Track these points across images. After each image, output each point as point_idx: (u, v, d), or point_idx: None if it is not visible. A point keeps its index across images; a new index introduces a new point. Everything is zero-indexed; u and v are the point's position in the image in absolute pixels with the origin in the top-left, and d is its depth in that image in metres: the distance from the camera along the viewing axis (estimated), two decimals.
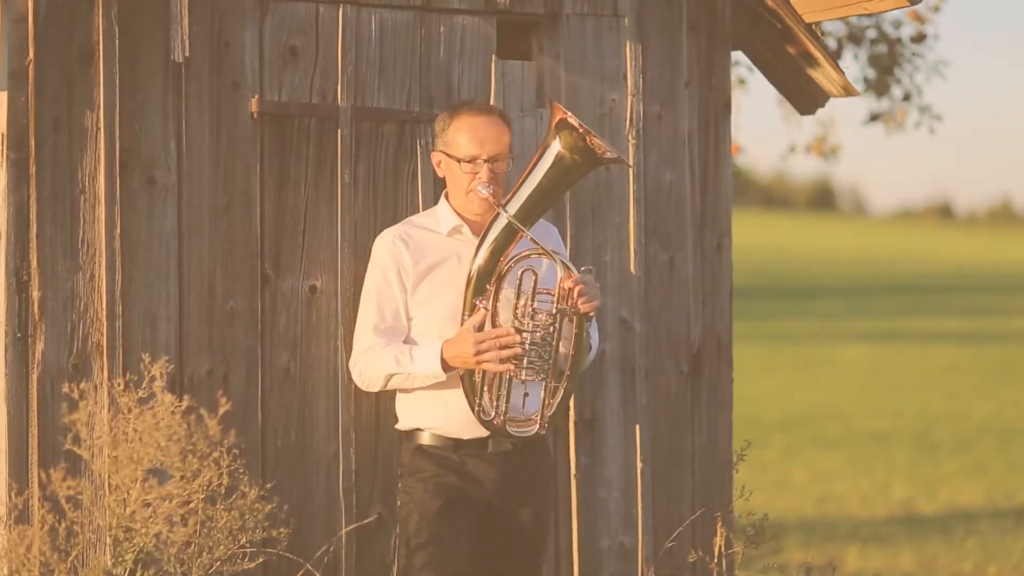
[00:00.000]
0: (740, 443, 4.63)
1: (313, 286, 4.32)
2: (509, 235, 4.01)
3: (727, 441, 4.91)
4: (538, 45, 4.64)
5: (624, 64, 4.72)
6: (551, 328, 3.99)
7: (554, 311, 3.99)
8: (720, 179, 4.91)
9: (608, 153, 4.02)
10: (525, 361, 3.97)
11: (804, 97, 5.09)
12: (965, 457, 11.26)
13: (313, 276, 4.32)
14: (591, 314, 4.03)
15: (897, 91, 7.98)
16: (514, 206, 4.00)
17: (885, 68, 7.88)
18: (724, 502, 4.85)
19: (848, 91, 4.93)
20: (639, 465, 4.71)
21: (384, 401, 4.35)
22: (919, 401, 14.78)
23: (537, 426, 4.05)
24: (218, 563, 3.81)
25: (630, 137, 4.72)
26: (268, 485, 4.03)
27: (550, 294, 4.01)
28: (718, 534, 4.54)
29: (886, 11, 5.15)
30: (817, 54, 4.86)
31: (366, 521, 4.35)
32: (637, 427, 4.71)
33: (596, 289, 4.03)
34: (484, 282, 4.01)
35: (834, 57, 5.03)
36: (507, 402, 4.02)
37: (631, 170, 4.72)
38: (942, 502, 9.45)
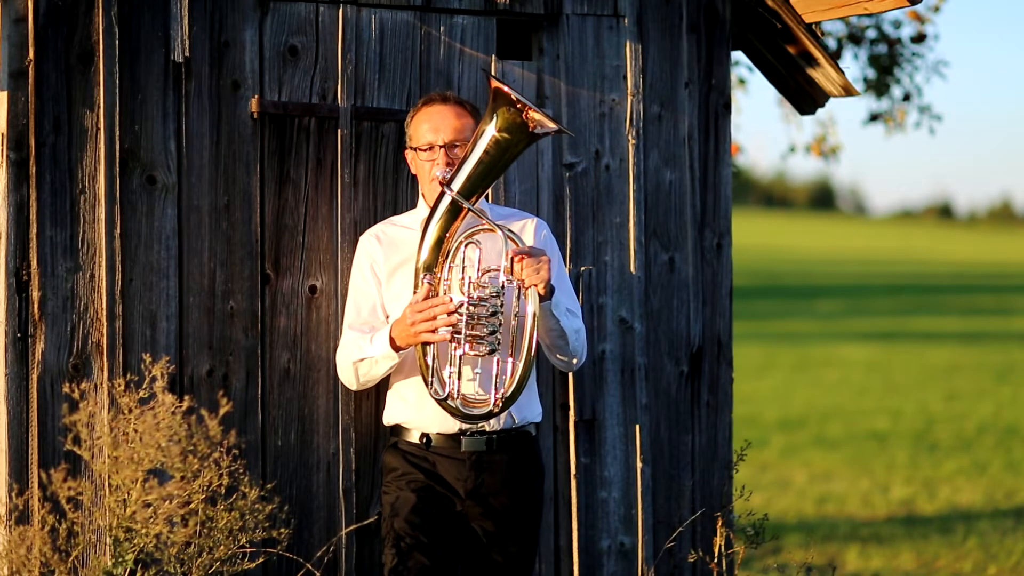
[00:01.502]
0: (740, 443, 4.64)
1: (313, 286, 4.32)
2: (454, 212, 4.01)
3: (727, 441, 4.90)
4: (538, 45, 4.64)
5: (624, 64, 4.72)
6: (497, 302, 3.97)
7: (500, 284, 3.98)
8: (720, 179, 4.90)
9: (541, 128, 3.98)
10: (467, 334, 3.96)
11: (804, 97, 5.09)
12: (965, 457, 11.25)
13: (313, 276, 4.33)
14: (540, 288, 3.97)
15: (897, 91, 7.98)
16: (458, 183, 4.00)
17: (885, 68, 7.87)
18: (724, 502, 4.85)
19: (848, 91, 4.93)
20: (639, 465, 4.71)
21: (384, 401, 4.35)
22: (919, 401, 14.77)
23: (491, 405, 4.00)
24: (218, 563, 3.81)
25: (630, 137, 4.72)
26: (268, 485, 4.03)
27: (499, 271, 4.00)
28: (718, 534, 4.54)
29: (886, 11, 5.15)
30: (817, 54, 4.86)
31: (366, 521, 4.35)
32: (637, 427, 4.71)
33: (543, 261, 3.96)
34: (433, 260, 4.02)
35: (834, 57, 5.04)
36: (459, 379, 4.00)
37: (631, 170, 4.72)
38: (942, 502, 9.44)
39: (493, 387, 4.00)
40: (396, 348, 4.02)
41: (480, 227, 4.02)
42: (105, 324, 4.07)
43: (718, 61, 4.88)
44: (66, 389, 3.94)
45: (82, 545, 3.84)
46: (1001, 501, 9.45)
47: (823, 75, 4.92)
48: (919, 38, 7.82)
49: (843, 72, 4.87)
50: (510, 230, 4.01)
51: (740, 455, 4.53)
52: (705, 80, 4.86)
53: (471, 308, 3.96)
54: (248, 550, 3.92)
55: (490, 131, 3.98)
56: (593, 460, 4.67)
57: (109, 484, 3.84)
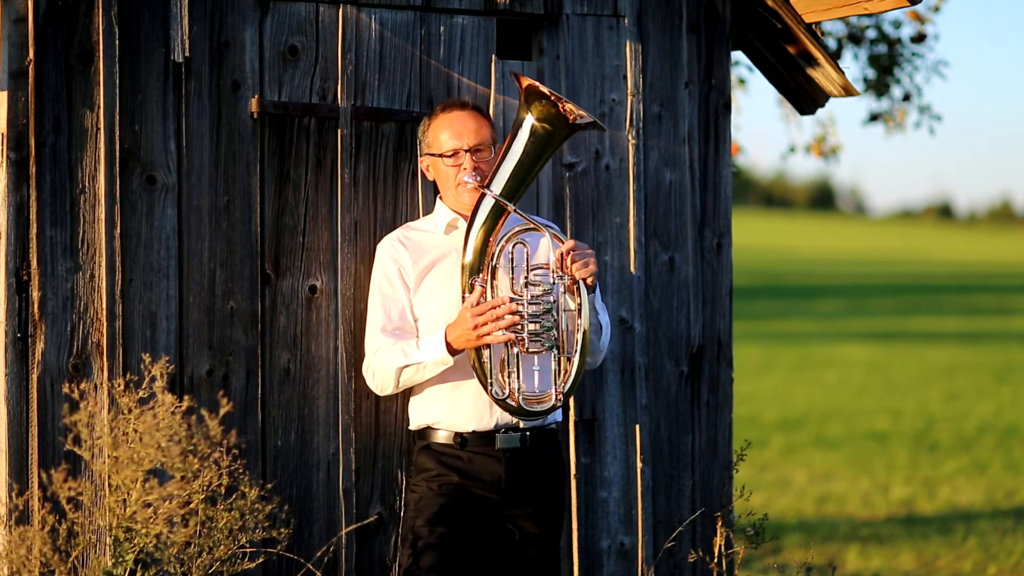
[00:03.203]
0: (740, 443, 4.64)
1: (313, 286, 4.32)
2: (496, 214, 4.05)
3: (727, 441, 4.90)
4: (538, 45, 4.64)
5: (624, 64, 4.72)
6: (550, 298, 4.02)
7: (552, 281, 4.02)
8: (720, 179, 4.90)
9: (582, 118, 4.04)
10: (527, 333, 4.00)
11: (804, 97, 5.09)
12: (965, 457, 11.25)
13: (313, 276, 4.32)
14: (589, 280, 4.04)
15: (897, 91, 7.98)
16: (498, 185, 4.04)
17: (885, 68, 7.87)
18: (724, 502, 4.85)
19: (848, 91, 4.93)
20: (639, 465, 4.71)
21: (384, 401, 4.35)
22: (919, 401, 14.77)
23: (553, 400, 4.06)
24: (218, 563, 3.81)
25: (630, 137, 4.72)
26: (268, 485, 4.03)
27: (547, 268, 4.06)
28: (718, 534, 4.54)
29: (886, 11, 5.14)
30: (817, 54, 4.86)
31: (366, 521, 4.35)
32: (637, 427, 4.71)
33: (590, 254, 4.05)
34: (479, 264, 4.05)
35: (834, 57, 5.03)
36: (519, 378, 4.03)
37: (631, 170, 4.72)
38: (942, 502, 9.44)
39: (553, 382, 4.05)
40: (452, 352, 4.04)
41: (523, 227, 4.07)
42: (105, 324, 4.07)
43: (718, 61, 4.88)
44: (66, 389, 3.94)
45: (82, 545, 3.84)
46: (1001, 501, 9.45)
47: (823, 75, 4.92)
48: (919, 38, 7.82)
49: (843, 72, 4.87)
50: (550, 224, 4.09)
51: (740, 455, 4.53)
52: (705, 80, 4.86)
53: (529, 307, 4.00)
54: (248, 550, 3.92)
55: (527, 128, 4.04)
56: (593, 460, 4.67)
57: (109, 484, 3.84)
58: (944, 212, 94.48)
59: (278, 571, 4.25)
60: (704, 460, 4.86)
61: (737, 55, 5.81)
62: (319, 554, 4.28)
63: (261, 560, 4.14)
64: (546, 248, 4.10)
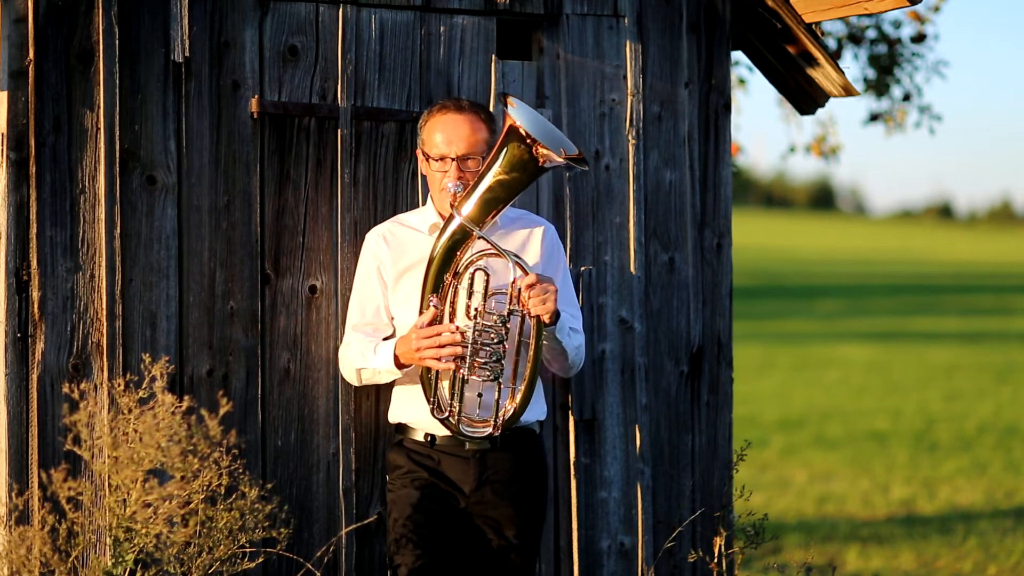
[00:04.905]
0: (740, 443, 4.64)
1: (313, 286, 4.33)
2: (464, 235, 4.01)
3: (727, 441, 4.90)
4: (538, 45, 4.64)
5: (624, 64, 4.72)
6: (503, 329, 3.99)
7: (505, 312, 4.00)
8: (720, 179, 4.90)
9: (550, 163, 4.00)
10: (469, 360, 3.97)
11: (804, 97, 5.09)
12: (965, 457, 11.25)
13: (313, 276, 4.33)
14: (545, 318, 3.99)
15: (897, 91, 7.98)
16: (468, 207, 4.00)
17: (885, 68, 7.88)
18: (724, 502, 4.85)
19: (848, 91, 4.93)
20: (639, 465, 4.71)
21: (384, 401, 4.36)
22: (919, 401, 14.77)
23: (491, 428, 4.04)
24: (218, 563, 3.81)
25: (630, 137, 4.72)
26: (268, 485, 4.03)
27: (505, 293, 4.02)
28: (718, 534, 4.54)
29: (886, 11, 5.14)
30: (817, 54, 4.86)
31: (366, 521, 4.35)
32: (637, 427, 4.71)
33: (551, 291, 3.97)
34: (440, 280, 4.02)
35: (834, 57, 5.03)
36: (460, 401, 4.02)
37: (631, 170, 4.72)
38: (942, 502, 9.44)
39: (494, 412, 4.03)
40: (399, 365, 4.03)
41: (488, 251, 4.02)
42: (105, 324, 4.07)
43: (718, 61, 4.88)
44: (66, 389, 3.95)
45: (82, 545, 3.84)
46: (1001, 501, 9.45)
47: (823, 75, 4.92)
48: (919, 38, 7.82)
49: (843, 72, 4.87)
50: (516, 255, 4.01)
51: (740, 455, 4.53)
52: (705, 80, 4.86)
53: (476, 335, 3.97)
54: (248, 550, 3.92)
55: (499, 165, 3.99)
56: (593, 460, 4.67)
57: (109, 484, 3.84)
58: (944, 212, 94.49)
59: (278, 571, 4.25)
60: (704, 460, 4.86)
61: (737, 55, 5.81)
62: (319, 554, 4.28)
63: (261, 560, 4.15)
64: (508, 269, 4.03)
